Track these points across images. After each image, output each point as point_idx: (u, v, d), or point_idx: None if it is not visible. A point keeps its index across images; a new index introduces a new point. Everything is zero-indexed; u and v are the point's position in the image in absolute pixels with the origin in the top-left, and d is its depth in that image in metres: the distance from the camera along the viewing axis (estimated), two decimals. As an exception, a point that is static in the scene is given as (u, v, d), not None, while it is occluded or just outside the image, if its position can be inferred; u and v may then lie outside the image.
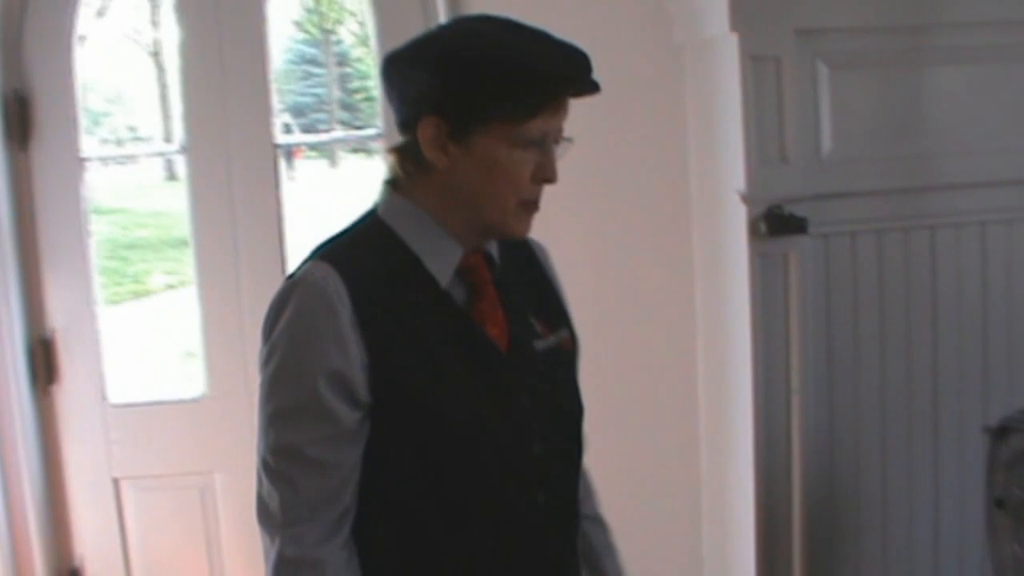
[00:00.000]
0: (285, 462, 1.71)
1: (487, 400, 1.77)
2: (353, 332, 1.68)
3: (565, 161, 3.25)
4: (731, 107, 3.02)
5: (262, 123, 3.53)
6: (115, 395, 3.65)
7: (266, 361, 1.73)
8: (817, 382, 3.11)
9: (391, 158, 1.81)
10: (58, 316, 3.57)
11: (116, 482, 3.65)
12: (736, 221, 3.05)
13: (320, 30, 20.91)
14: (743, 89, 2.97)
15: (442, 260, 1.77)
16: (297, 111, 20.08)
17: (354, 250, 1.78)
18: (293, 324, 1.70)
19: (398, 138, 1.80)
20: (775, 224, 2.96)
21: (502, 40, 1.71)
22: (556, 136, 1.76)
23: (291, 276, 1.76)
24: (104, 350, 3.63)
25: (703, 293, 3.44)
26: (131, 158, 17.76)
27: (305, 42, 20.99)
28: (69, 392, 3.60)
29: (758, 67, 2.97)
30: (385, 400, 1.70)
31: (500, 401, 1.78)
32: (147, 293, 11.05)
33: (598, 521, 2.11)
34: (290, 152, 14.00)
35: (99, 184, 15.35)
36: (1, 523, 3.46)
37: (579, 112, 3.30)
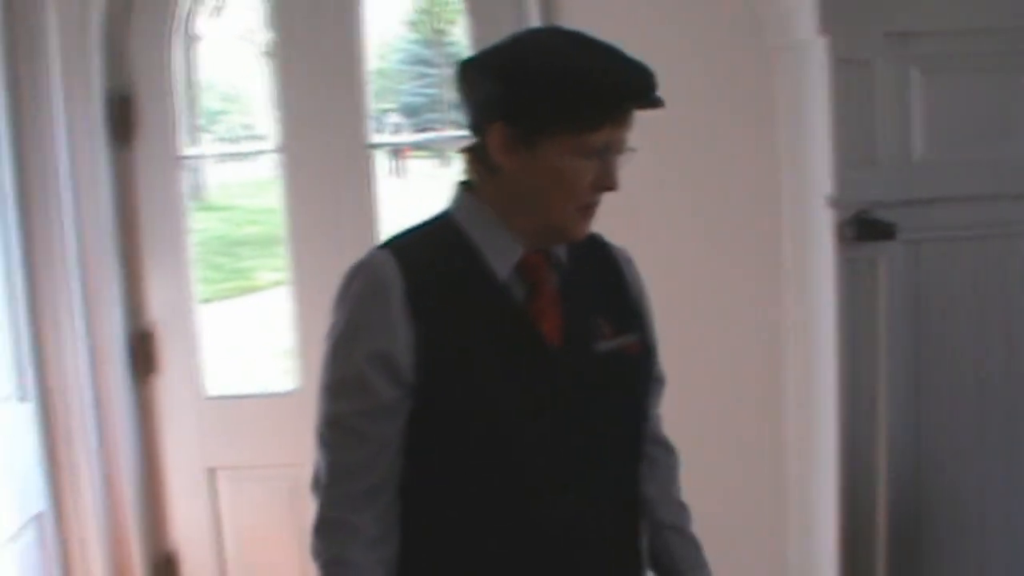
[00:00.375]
0: (331, 431, 1.85)
1: (531, 392, 1.83)
2: (403, 316, 1.78)
3: (658, 164, 3.31)
4: (819, 110, 3.00)
5: (356, 123, 3.58)
6: (212, 387, 3.75)
7: (326, 338, 1.87)
8: (906, 390, 3.06)
9: (463, 158, 1.91)
10: (157, 310, 3.67)
11: (211, 472, 3.74)
12: (823, 226, 3.02)
13: (432, 30, 21.17)
14: (832, 92, 2.95)
15: (502, 256, 1.85)
16: (410, 111, 20.33)
17: (418, 241, 1.90)
18: (349, 306, 1.83)
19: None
20: (862, 229, 2.93)
21: (568, 54, 1.79)
22: (619, 147, 1.82)
23: (358, 263, 1.87)
24: (201, 344, 3.73)
25: (792, 298, 3.40)
26: (233, 156, 18.16)
27: (418, 42, 21.26)
28: (167, 384, 3.71)
29: (848, 70, 2.95)
30: (428, 380, 1.79)
31: (545, 395, 1.84)
32: (255, 289, 11.29)
33: (685, 535, 2.12)
34: (397, 151, 14.19)
35: (211, 181, 15.76)
36: (100, 510, 3.57)
37: (670, 116, 3.32)
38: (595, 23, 3.32)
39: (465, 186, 1.91)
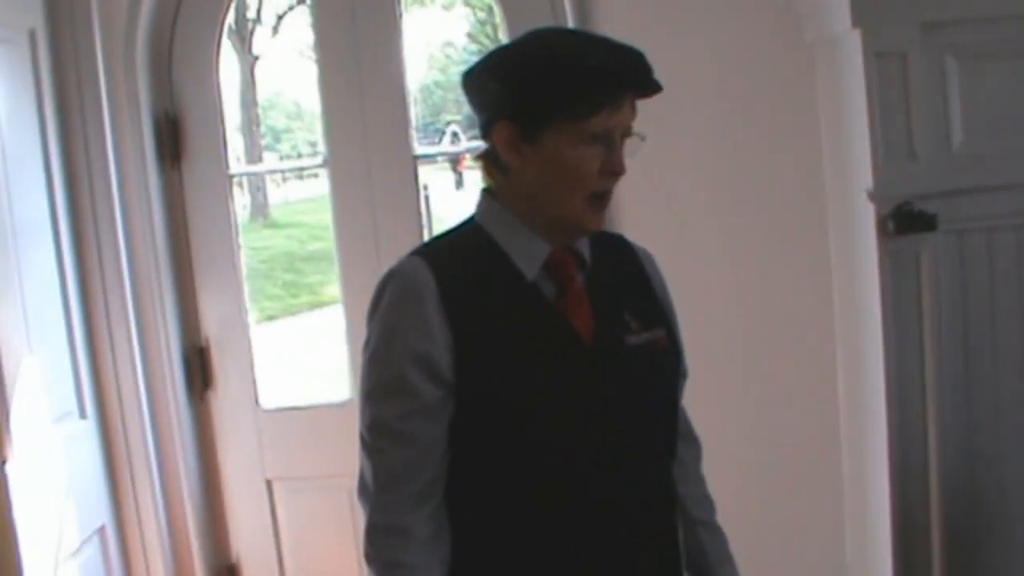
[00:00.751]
0: (376, 436, 1.88)
1: (567, 386, 1.87)
2: (438, 317, 1.83)
3: (703, 160, 3.31)
4: (857, 104, 2.98)
5: (400, 136, 3.63)
6: (267, 400, 3.81)
7: (365, 346, 1.91)
8: (955, 382, 3.02)
9: (479, 165, 1.97)
10: (211, 326, 3.75)
11: (269, 483, 3.80)
12: (865, 219, 3.00)
13: (493, 41, 21.26)
14: (867, 86, 2.92)
15: (529, 256, 1.90)
16: (472, 122, 20.36)
17: (447, 246, 1.97)
18: (385, 312, 1.88)
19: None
20: (903, 222, 2.90)
21: (560, 45, 1.88)
22: (623, 132, 1.86)
23: (391, 271, 1.93)
24: (255, 358, 3.79)
25: (839, 293, 3.39)
26: (293, 172, 18.34)
27: (479, 53, 21.36)
28: (223, 398, 3.78)
29: (883, 63, 2.92)
30: (468, 379, 1.83)
31: (581, 388, 1.88)
32: (322, 304, 11.40)
33: (713, 529, 2.15)
34: (455, 162, 14.22)
35: (276, 199, 15.93)
36: (162, 521, 3.64)
37: (713, 113, 3.36)
38: (636, 25, 3.40)
39: (487, 192, 1.97)
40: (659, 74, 3.34)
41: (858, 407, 3.30)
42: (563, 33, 1.95)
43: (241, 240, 3.79)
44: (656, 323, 2.00)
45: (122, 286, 3.53)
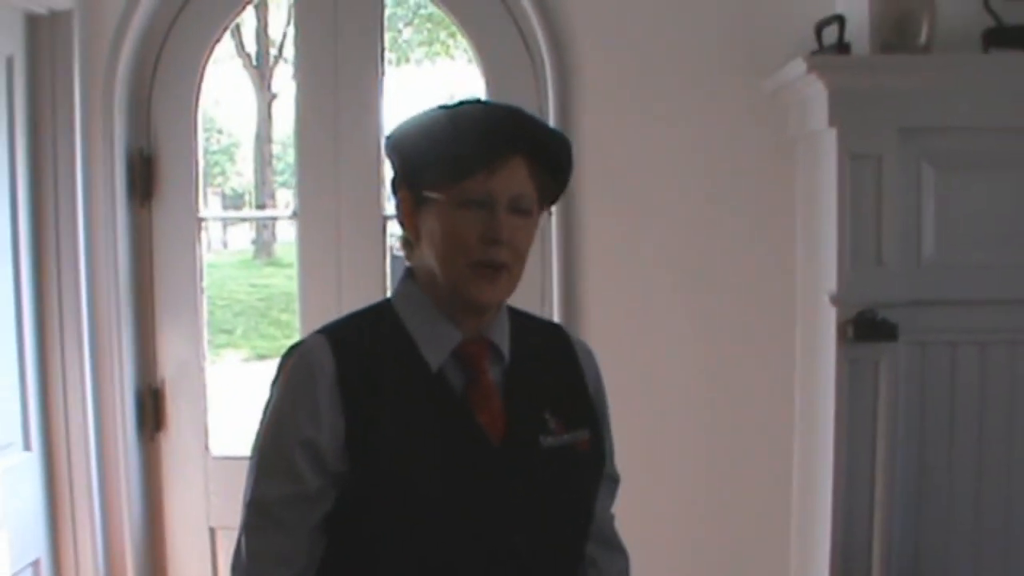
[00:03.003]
0: (255, 515, 1.81)
1: (464, 485, 1.78)
2: (331, 402, 1.76)
3: (674, 243, 3.29)
4: (829, 204, 2.94)
5: (371, 193, 3.60)
6: (216, 447, 3.75)
7: (261, 416, 1.85)
8: (905, 502, 2.95)
9: (401, 247, 1.91)
10: (168, 367, 3.70)
11: (212, 531, 3.73)
12: (827, 323, 2.95)
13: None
14: (839, 186, 2.88)
15: (437, 344, 1.83)
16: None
17: (356, 327, 1.89)
18: (279, 391, 1.83)
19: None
20: (863, 329, 2.85)
21: (432, 116, 1.84)
22: (514, 201, 1.79)
23: (294, 345, 1.88)
24: (208, 403, 3.74)
25: (801, 393, 3.33)
26: (249, 220, 18.35)
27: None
28: (174, 441, 3.72)
29: (857, 164, 2.88)
30: (357, 469, 1.76)
31: (480, 488, 1.79)
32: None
33: None
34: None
35: (288, 237, 15.93)
36: (100, 560, 3.57)
37: (689, 197, 3.38)
38: (618, 108, 3.38)
39: (408, 272, 1.91)
40: (638, 156, 3.39)
41: (808, 512, 3.23)
42: (449, 105, 1.86)
43: (204, 284, 3.74)
44: (581, 424, 1.91)
45: (80, 319, 3.48)
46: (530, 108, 3.42)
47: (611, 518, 2.07)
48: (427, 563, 1.77)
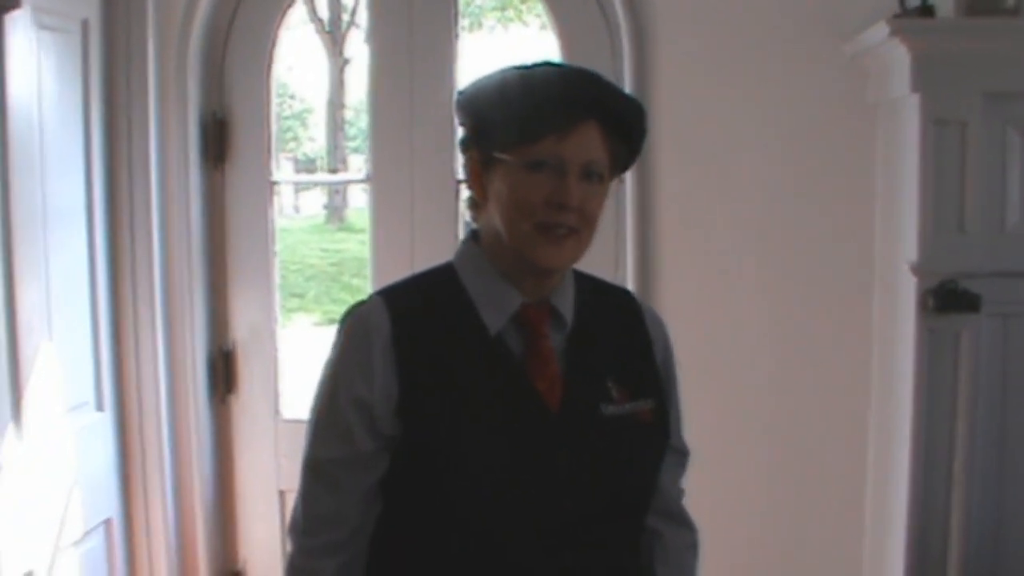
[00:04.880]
0: (310, 476, 1.82)
1: (519, 452, 1.75)
2: (384, 365, 1.75)
3: (752, 213, 3.22)
4: (910, 171, 2.86)
5: (445, 160, 3.58)
6: (287, 410, 3.77)
7: (320, 373, 1.84)
8: (985, 474, 2.87)
9: (467, 207, 1.90)
10: (240, 330, 3.72)
11: (282, 494, 3.75)
12: (907, 293, 2.88)
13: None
14: (922, 153, 2.80)
15: (497, 308, 1.80)
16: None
17: (414, 289, 1.88)
18: (336, 351, 1.82)
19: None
20: (945, 300, 2.77)
21: (505, 77, 1.80)
22: (585, 166, 1.74)
23: (353, 305, 1.87)
24: (280, 367, 3.76)
25: (878, 364, 3.26)
26: (322, 184, 18.33)
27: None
28: (244, 403, 3.75)
29: (941, 131, 2.79)
30: (410, 432, 1.74)
31: (534, 456, 1.75)
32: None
33: None
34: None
35: (359, 202, 16.03)
36: (170, 520, 3.62)
37: (767, 166, 3.31)
38: (695, 77, 3.32)
39: (471, 233, 1.89)
40: (715, 123, 3.32)
41: (883, 487, 3.16)
42: (523, 65, 1.82)
43: (278, 248, 3.76)
44: (646, 394, 1.87)
45: (153, 282, 3.52)
46: (606, 73, 3.43)
47: (679, 492, 2.03)
48: (479, 530, 1.75)
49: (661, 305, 3.42)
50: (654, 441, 1.89)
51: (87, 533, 3.35)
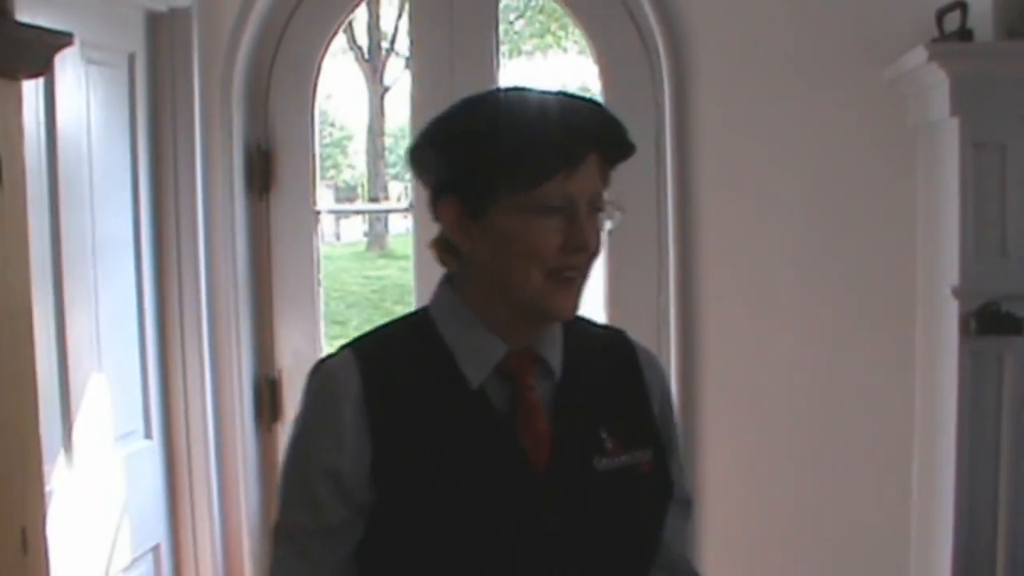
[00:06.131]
0: (280, 542, 1.68)
1: (504, 517, 1.61)
2: (355, 427, 1.60)
3: (792, 236, 3.22)
4: (950, 194, 2.86)
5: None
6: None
7: (288, 441, 1.72)
8: (1031, 494, 2.86)
9: (433, 252, 1.72)
10: (285, 358, 3.76)
11: (327, 519, 3.77)
12: (949, 316, 2.87)
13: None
14: (961, 176, 2.80)
15: (478, 359, 1.65)
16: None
17: (387, 342, 1.73)
18: (303, 412, 1.68)
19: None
20: (987, 322, 2.77)
21: (501, 105, 1.67)
22: (590, 202, 1.60)
23: (319, 361, 1.73)
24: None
25: (921, 388, 3.25)
26: (365, 212, 18.47)
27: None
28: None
29: (980, 154, 2.80)
30: (387, 497, 1.60)
31: (521, 520, 1.61)
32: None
33: None
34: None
35: (399, 229, 16.12)
36: (217, 547, 3.66)
37: (807, 189, 3.36)
38: (735, 97, 3.34)
39: (446, 279, 1.72)
40: (755, 148, 3.34)
41: (928, 510, 3.15)
42: (509, 92, 1.69)
43: (322, 276, 3.80)
44: (643, 443, 1.72)
45: (199, 310, 3.57)
46: (646, 101, 3.47)
47: (683, 544, 1.89)
48: None
49: (703, 330, 3.44)
50: (655, 493, 1.74)
51: (136, 559, 3.40)
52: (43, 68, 2.49)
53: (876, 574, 3.40)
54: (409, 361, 1.66)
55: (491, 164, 1.58)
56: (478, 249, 1.62)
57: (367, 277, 14.71)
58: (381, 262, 15.62)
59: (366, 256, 16.41)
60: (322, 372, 1.67)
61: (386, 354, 1.67)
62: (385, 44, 16.20)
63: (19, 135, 2.44)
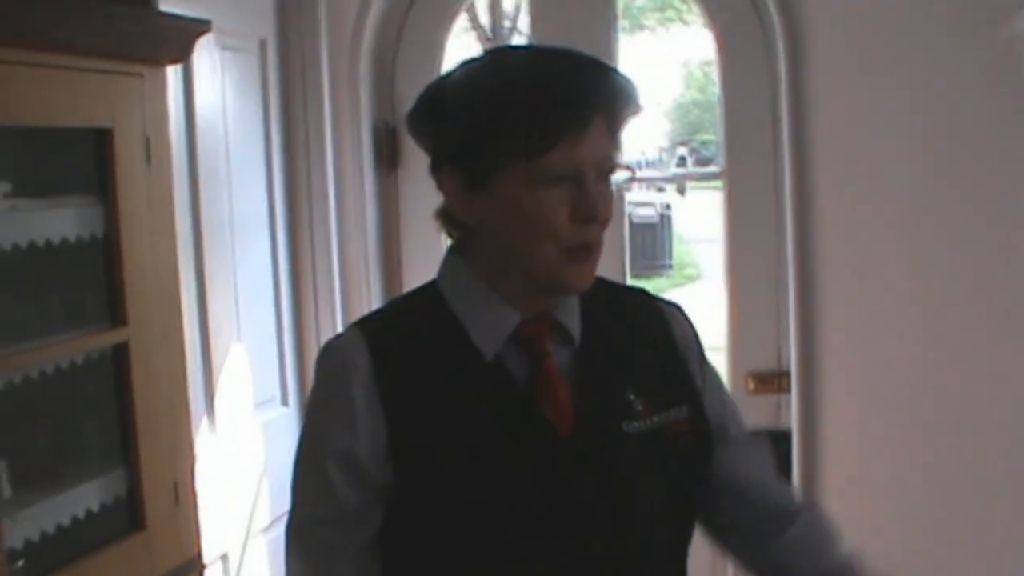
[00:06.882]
0: (296, 539, 1.64)
1: (531, 488, 1.54)
2: (368, 406, 1.54)
3: (912, 213, 3.15)
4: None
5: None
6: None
7: (301, 429, 1.69)
8: None
9: (438, 223, 1.67)
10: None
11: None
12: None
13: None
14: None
15: (491, 330, 1.58)
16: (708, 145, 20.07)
17: (394, 317, 1.69)
18: (313, 396, 1.65)
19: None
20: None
21: (498, 67, 1.58)
22: (600, 168, 1.51)
23: (327, 342, 1.69)
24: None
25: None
26: None
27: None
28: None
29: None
30: (406, 478, 1.54)
31: (550, 489, 1.54)
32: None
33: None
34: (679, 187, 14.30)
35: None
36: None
37: (930, 164, 3.22)
38: (850, 67, 3.30)
39: (453, 251, 1.67)
40: (872, 125, 3.26)
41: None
42: (507, 53, 1.62)
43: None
44: (676, 401, 1.64)
45: (332, 283, 3.71)
46: (762, 76, 3.48)
47: (777, 477, 1.81)
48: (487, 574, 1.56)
49: (823, 319, 3.42)
50: (695, 451, 1.66)
51: (274, 520, 3.54)
52: (184, 55, 2.65)
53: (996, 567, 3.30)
54: (419, 336, 1.60)
55: (491, 134, 1.50)
56: (484, 220, 1.55)
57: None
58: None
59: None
60: (330, 354, 1.62)
61: (395, 330, 1.62)
62: (507, 23, 16.26)
63: (164, 118, 2.61)
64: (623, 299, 1.74)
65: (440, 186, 1.59)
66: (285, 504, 3.52)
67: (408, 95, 3.76)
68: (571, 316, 1.63)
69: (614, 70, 1.56)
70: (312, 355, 3.70)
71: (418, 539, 1.57)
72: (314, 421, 1.63)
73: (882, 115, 3.32)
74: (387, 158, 3.81)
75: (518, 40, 16.08)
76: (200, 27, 2.65)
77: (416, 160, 3.76)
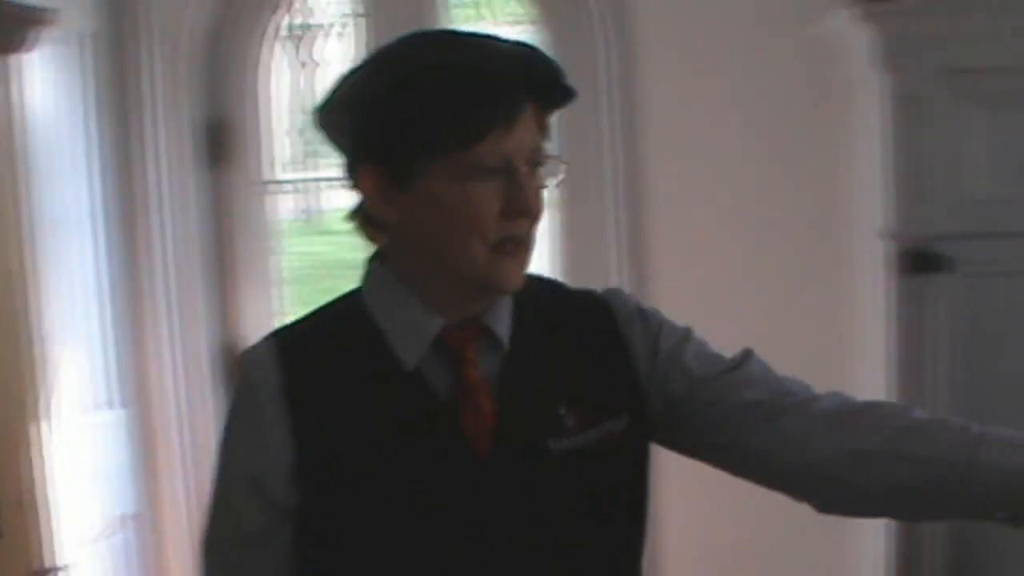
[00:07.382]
0: (206, 556, 1.57)
1: (445, 513, 1.46)
2: (277, 423, 1.46)
3: (731, 186, 3.35)
4: (876, 143, 3.00)
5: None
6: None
7: None
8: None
9: (353, 227, 1.53)
10: (246, 326, 3.86)
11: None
12: (878, 257, 3.03)
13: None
14: (885, 127, 2.93)
15: (412, 338, 1.47)
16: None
17: (315, 326, 1.57)
18: (228, 410, 1.56)
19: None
20: (917, 262, 2.92)
21: (413, 60, 1.43)
22: (530, 158, 1.43)
23: (243, 352, 1.61)
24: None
25: (849, 327, 3.42)
26: (325, 180, 18.57)
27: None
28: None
29: (904, 106, 2.91)
30: (314, 499, 1.47)
31: (466, 514, 1.46)
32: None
33: (926, 424, 1.54)
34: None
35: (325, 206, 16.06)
36: (191, 513, 3.73)
37: (746, 146, 3.51)
38: (672, 55, 3.46)
39: (375, 256, 1.55)
40: (692, 104, 3.45)
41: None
42: (424, 38, 1.49)
43: (280, 245, 3.93)
44: (616, 410, 1.53)
45: (157, 283, 3.70)
46: (590, 63, 3.58)
47: (788, 381, 1.66)
48: None
49: (654, 289, 3.55)
50: (626, 468, 1.56)
51: (107, 528, 3.47)
52: (23, 45, 2.55)
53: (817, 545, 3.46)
54: (337, 347, 1.50)
55: (414, 125, 1.39)
56: (407, 220, 1.44)
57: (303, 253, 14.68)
58: (316, 238, 15.52)
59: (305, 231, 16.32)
60: (242, 367, 1.53)
61: (312, 341, 1.53)
62: (314, 21, 16.10)
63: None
64: (563, 300, 1.62)
65: (357, 185, 1.47)
66: (119, 509, 3.47)
67: (234, 89, 3.75)
68: (501, 320, 1.52)
69: (543, 54, 1.45)
70: (147, 357, 3.69)
71: (330, 559, 1.50)
72: (225, 438, 1.54)
73: (707, 107, 3.54)
74: (215, 155, 3.77)
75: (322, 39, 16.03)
76: (41, 16, 2.56)
77: (244, 157, 3.78)
